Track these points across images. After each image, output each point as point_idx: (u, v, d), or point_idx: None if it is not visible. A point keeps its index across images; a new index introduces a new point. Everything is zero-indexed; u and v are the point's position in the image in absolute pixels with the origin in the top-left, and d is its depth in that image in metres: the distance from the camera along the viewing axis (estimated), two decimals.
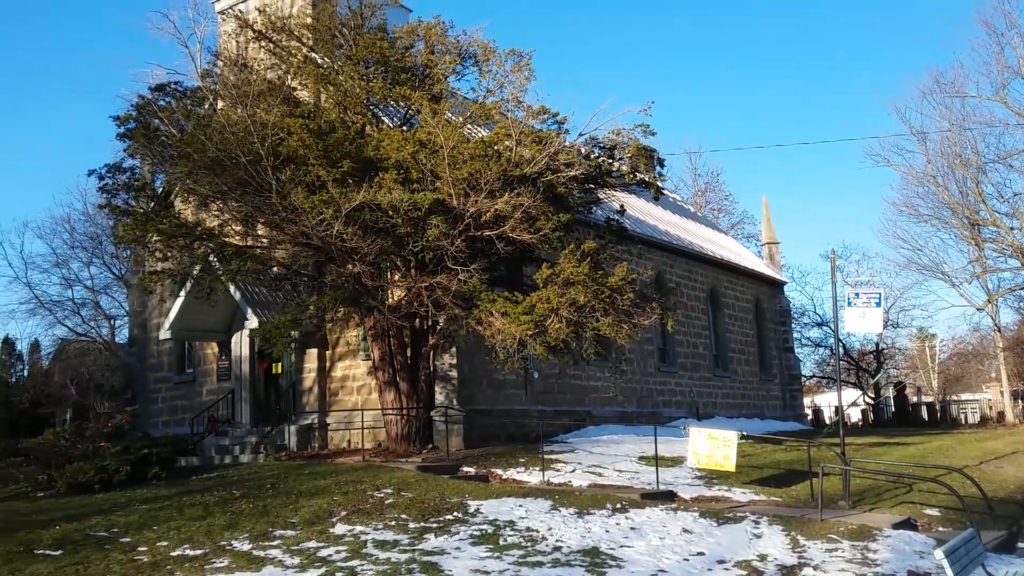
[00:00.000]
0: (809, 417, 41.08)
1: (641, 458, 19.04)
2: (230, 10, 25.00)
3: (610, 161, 20.25)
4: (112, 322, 41.17)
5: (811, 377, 55.38)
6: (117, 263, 38.19)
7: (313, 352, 23.31)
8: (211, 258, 19.91)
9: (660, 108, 51.56)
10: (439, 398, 20.80)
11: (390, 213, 16.85)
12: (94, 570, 11.09)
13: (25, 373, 45.76)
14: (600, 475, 17.42)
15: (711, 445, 15.16)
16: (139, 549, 11.99)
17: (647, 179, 21.17)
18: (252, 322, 21.70)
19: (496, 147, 17.88)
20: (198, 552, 11.76)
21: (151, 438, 20.14)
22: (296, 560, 11.24)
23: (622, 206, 22.56)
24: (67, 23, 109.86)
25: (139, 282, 24.80)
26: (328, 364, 23.34)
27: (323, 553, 11.51)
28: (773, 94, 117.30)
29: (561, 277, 17.02)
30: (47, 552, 11.92)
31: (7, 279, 46.22)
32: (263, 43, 20.78)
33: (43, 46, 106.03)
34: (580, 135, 19.61)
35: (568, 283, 16.91)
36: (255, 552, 11.67)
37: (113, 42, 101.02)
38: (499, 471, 17.87)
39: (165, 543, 12.25)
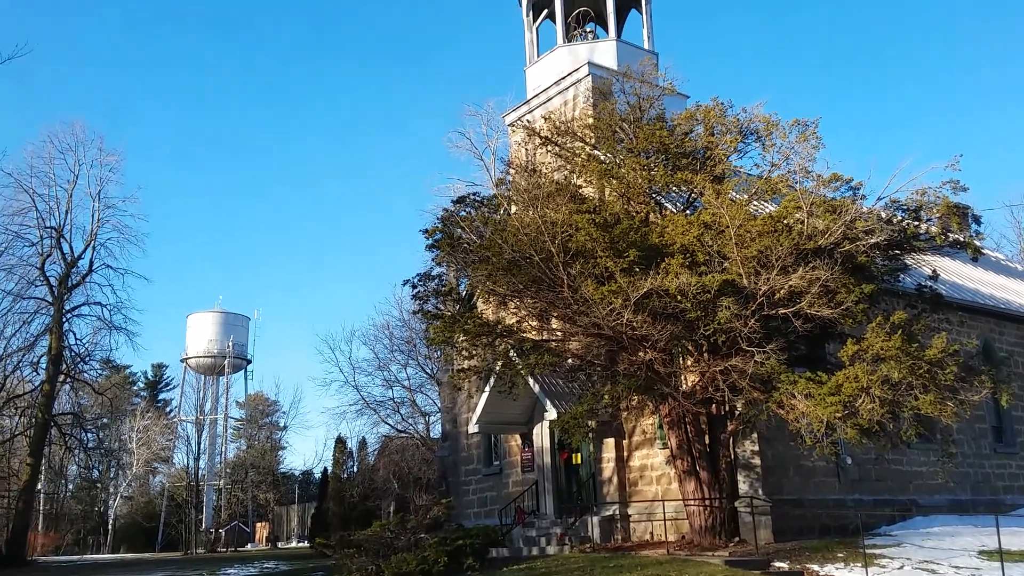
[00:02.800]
0: None
1: (981, 552, 16.81)
2: (518, 121, 26.85)
3: (916, 223, 18.82)
4: (427, 418, 44.49)
5: None
6: (429, 363, 41.40)
7: (610, 442, 23.40)
8: (511, 353, 20.87)
9: (970, 160, 47.34)
10: (743, 487, 19.86)
11: (678, 298, 16.72)
12: None
13: (355, 468, 50.46)
14: (934, 572, 15.57)
15: None
16: None
17: (962, 239, 19.37)
18: (551, 413, 22.32)
19: (785, 221, 17.26)
20: None
21: (464, 529, 21.18)
22: None
23: (934, 271, 20.71)
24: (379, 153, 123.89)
25: (449, 380, 26.58)
26: (625, 453, 23.28)
27: None
28: None
29: (869, 353, 15.79)
30: None
31: (339, 383, 51.12)
32: (549, 147, 22.05)
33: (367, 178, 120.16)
34: (879, 199, 18.54)
35: (878, 359, 15.65)
36: None
37: (415, 162, 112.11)
38: (815, 567, 16.57)
39: None
